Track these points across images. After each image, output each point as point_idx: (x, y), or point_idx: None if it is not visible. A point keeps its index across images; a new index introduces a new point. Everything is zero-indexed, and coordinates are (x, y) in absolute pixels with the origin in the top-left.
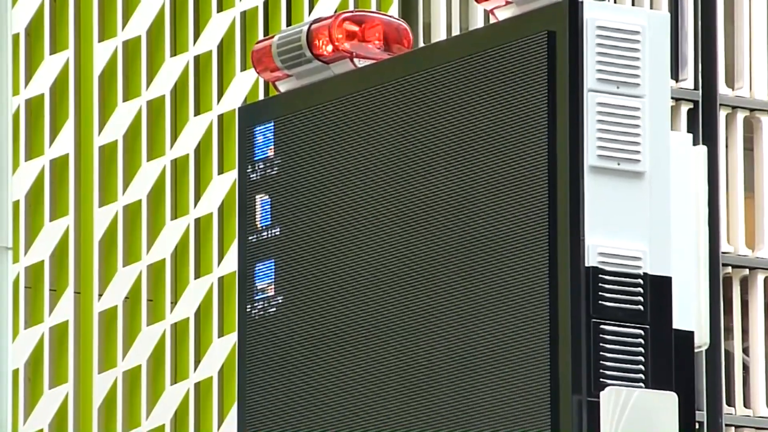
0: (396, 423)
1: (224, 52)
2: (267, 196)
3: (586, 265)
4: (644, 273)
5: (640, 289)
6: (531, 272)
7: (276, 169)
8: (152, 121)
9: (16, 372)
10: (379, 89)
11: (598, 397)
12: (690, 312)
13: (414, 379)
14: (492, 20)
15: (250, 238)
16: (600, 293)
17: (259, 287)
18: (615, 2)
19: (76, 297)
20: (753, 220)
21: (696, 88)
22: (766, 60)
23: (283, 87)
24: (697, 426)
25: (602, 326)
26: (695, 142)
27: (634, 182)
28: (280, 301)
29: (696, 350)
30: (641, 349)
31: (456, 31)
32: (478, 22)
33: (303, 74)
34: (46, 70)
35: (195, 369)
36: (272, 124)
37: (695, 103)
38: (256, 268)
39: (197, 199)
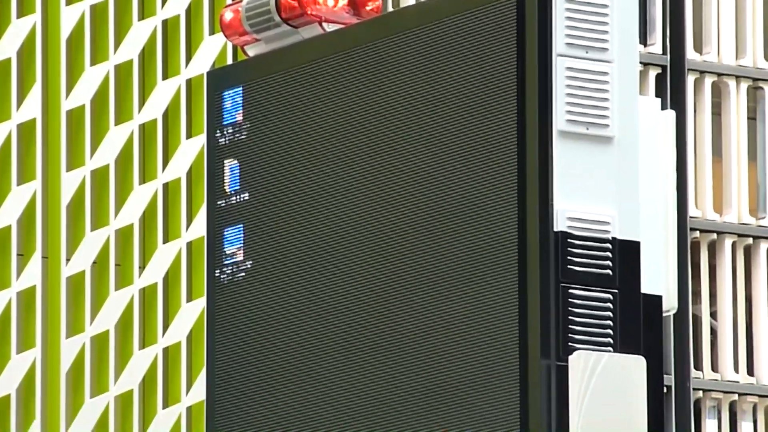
0: (365, 386)
1: (192, 16)
2: (236, 161)
3: (555, 229)
4: (613, 237)
5: (609, 254)
6: (500, 237)
7: (245, 133)
8: (120, 85)
9: None
10: (348, 54)
11: (567, 362)
12: (658, 276)
13: (384, 342)
14: None
15: (218, 202)
16: (569, 258)
17: (227, 252)
18: None
19: (43, 262)
20: (720, 184)
21: (664, 52)
22: (734, 25)
23: (251, 51)
24: (665, 390)
25: (571, 290)
26: (663, 107)
27: (602, 147)
28: (249, 265)
29: (664, 314)
30: (610, 314)
31: None
32: None
33: (272, 39)
34: (13, 34)
35: (163, 334)
36: (241, 88)
37: (663, 67)
38: (225, 233)
39: (165, 163)
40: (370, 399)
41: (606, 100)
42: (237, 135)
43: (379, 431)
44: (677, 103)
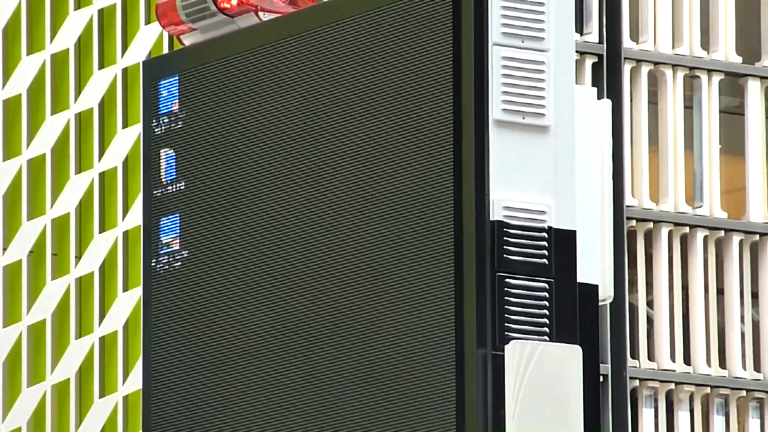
0: (299, 376)
1: (128, 5)
2: (172, 151)
3: (491, 219)
4: (549, 227)
5: (545, 243)
6: (436, 226)
7: (181, 123)
8: (56, 74)
9: None
10: (284, 43)
11: (503, 351)
12: (594, 265)
13: (318, 332)
14: None
15: (154, 192)
16: (505, 247)
17: (164, 241)
18: None
19: None
20: (657, 173)
21: (600, 41)
22: (671, 13)
23: (187, 41)
24: (601, 379)
25: (507, 280)
26: (600, 96)
27: (539, 136)
28: (185, 255)
29: (600, 303)
30: (546, 303)
31: None
32: None
33: (208, 28)
34: None
35: (100, 323)
36: (177, 78)
37: (600, 56)
38: (161, 223)
39: (102, 153)
40: (305, 388)
41: (542, 89)
42: (173, 124)
43: (314, 421)
44: (614, 93)
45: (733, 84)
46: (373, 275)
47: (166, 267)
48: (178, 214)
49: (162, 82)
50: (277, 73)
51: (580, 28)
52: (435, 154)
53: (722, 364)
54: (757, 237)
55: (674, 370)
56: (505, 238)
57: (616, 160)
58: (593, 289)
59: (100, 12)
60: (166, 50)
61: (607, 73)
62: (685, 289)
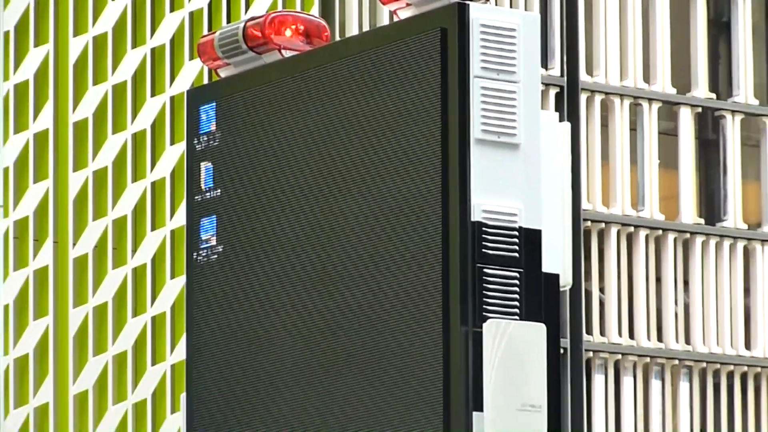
0: (310, 351)
1: (175, 44)
2: (210, 164)
3: (472, 219)
4: (519, 226)
5: (516, 240)
6: (428, 226)
7: (217, 141)
8: (116, 101)
9: (6, 307)
10: (301, 75)
11: (482, 328)
12: (556, 258)
13: (328, 314)
14: (395, 19)
15: (196, 198)
16: (483, 243)
17: (203, 238)
18: (495, 4)
19: (54, 246)
20: (608, 182)
21: (562, 75)
22: (618, 52)
23: (223, 73)
24: (561, 351)
25: (485, 270)
26: (561, 119)
27: (511, 152)
28: (221, 249)
29: (561, 289)
30: (516, 289)
31: (366, 28)
32: (384, 20)
33: (240, 63)
34: (31, 60)
35: (152, 305)
36: (214, 103)
37: (561, 87)
38: (201, 223)
39: (153, 165)
40: (315, 361)
41: (514, 113)
42: (211, 142)
43: (321, 387)
44: (572, 117)
45: (669, 110)
46: (375, 269)
47: (205, 259)
48: (215, 216)
49: (202, 107)
50: (295, 100)
51: (544, 64)
52: (427, 167)
53: (659, 338)
54: (688, 235)
55: (621, 344)
56: (483, 235)
57: (574, 172)
58: (555, 277)
59: (152, 50)
60: (206, 81)
61: (567, 101)
62: (630, 278)
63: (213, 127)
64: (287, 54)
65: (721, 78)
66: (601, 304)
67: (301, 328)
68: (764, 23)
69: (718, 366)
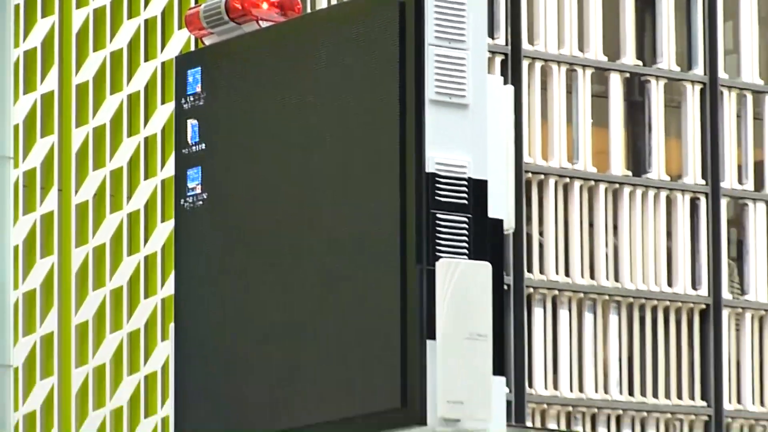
0: (283, 279)
1: (166, 16)
2: (196, 121)
3: (427, 171)
4: (468, 177)
5: (465, 189)
6: (387, 176)
7: (202, 101)
8: (114, 66)
9: (16, 247)
10: (276, 43)
11: (435, 266)
12: (501, 205)
13: (298, 250)
14: None
15: (183, 151)
16: (436, 191)
17: (189, 187)
18: None
19: (59, 193)
20: (547, 139)
21: (506, 44)
22: (556, 24)
23: (208, 41)
24: (505, 287)
25: (437, 215)
26: (505, 83)
27: (461, 111)
28: (205, 196)
29: (505, 233)
30: (466, 232)
31: (334, 1)
32: None
33: (222, 32)
34: (38, 30)
35: (144, 245)
36: (200, 68)
37: (506, 55)
38: (188, 173)
39: (146, 122)
40: (291, 291)
41: (463, 77)
42: (197, 102)
43: (297, 314)
44: (515, 81)
45: (600, 76)
46: (342, 214)
47: (192, 205)
48: (200, 167)
49: (189, 71)
50: (272, 64)
51: (491, 34)
52: (387, 124)
53: (592, 276)
54: (617, 186)
55: (558, 281)
56: (436, 185)
57: (516, 129)
58: (500, 222)
59: (146, 21)
60: (192, 48)
61: (511, 67)
62: (566, 223)
63: (198, 89)
64: (264, 24)
65: (646, 47)
66: (541, 246)
67: (279, 263)
68: None
69: (644, 301)
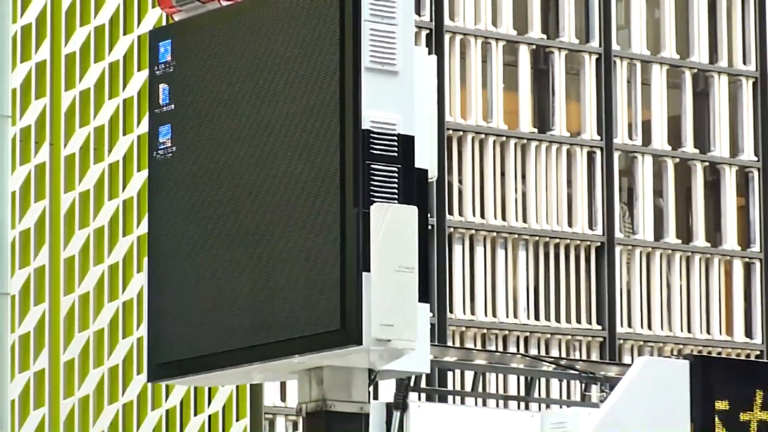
0: (242, 219)
1: None
2: (166, 85)
3: (362, 128)
4: (398, 133)
5: (396, 143)
6: (329, 132)
7: (172, 68)
8: (98, 39)
9: (13, 193)
10: (235, 19)
11: (369, 209)
12: (426, 157)
13: (254, 194)
14: None
15: (155, 111)
16: (371, 145)
17: (161, 141)
18: None
19: (50, 147)
20: (465, 101)
21: (431, 20)
22: (473, 3)
23: (177, 17)
24: (429, 227)
25: (372, 166)
26: (430, 54)
27: (392, 77)
28: (174, 149)
29: (429, 181)
30: (396, 180)
31: None
32: None
33: (189, 10)
34: (33, 7)
35: (123, 191)
36: (170, 40)
37: (430, 29)
38: (160, 129)
39: (125, 87)
40: (244, 226)
41: (394, 48)
42: (167, 69)
43: (249, 247)
44: (438, 51)
45: (511, 48)
46: (289, 164)
47: (163, 157)
48: (170, 124)
49: (161, 43)
50: (230, 36)
51: (417, 11)
52: (328, 87)
53: (504, 218)
54: (525, 141)
55: (474, 222)
56: (371, 140)
57: (439, 93)
58: (425, 172)
59: (124, 1)
60: (164, 24)
61: (435, 39)
62: (481, 173)
63: (169, 58)
64: (225, 4)
65: (550, 23)
66: (460, 192)
67: (235, 202)
68: None
69: (548, 239)
